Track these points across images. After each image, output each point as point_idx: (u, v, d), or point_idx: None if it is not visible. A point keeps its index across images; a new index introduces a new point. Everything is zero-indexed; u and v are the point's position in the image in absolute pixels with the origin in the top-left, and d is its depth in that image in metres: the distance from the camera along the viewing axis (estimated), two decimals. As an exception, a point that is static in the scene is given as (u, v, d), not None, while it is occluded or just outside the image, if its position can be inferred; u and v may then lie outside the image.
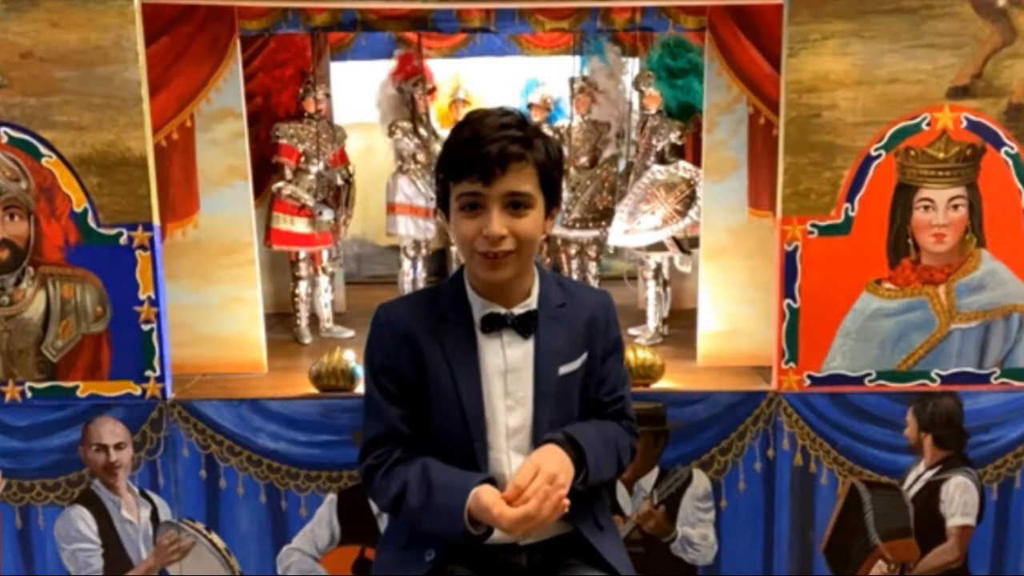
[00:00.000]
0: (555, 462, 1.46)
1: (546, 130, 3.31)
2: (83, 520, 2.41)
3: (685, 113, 3.15)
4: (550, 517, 1.41)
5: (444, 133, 3.26)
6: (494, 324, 1.52)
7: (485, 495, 1.42)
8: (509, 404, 1.54)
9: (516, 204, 1.44)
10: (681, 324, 3.07)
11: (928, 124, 2.27)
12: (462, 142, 1.45)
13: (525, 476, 1.42)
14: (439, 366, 1.52)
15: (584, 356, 1.58)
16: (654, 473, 2.41)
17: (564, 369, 1.55)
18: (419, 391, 1.54)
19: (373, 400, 1.57)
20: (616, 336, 1.65)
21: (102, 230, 2.28)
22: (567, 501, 1.42)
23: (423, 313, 1.56)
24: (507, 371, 1.53)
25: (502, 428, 1.54)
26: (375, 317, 1.58)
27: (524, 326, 1.53)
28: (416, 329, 1.54)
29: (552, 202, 1.51)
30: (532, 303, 1.55)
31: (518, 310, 1.53)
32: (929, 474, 2.42)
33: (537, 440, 1.53)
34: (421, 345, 1.53)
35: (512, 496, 1.41)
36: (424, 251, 3.44)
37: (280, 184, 3.13)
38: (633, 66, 3.28)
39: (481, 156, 1.41)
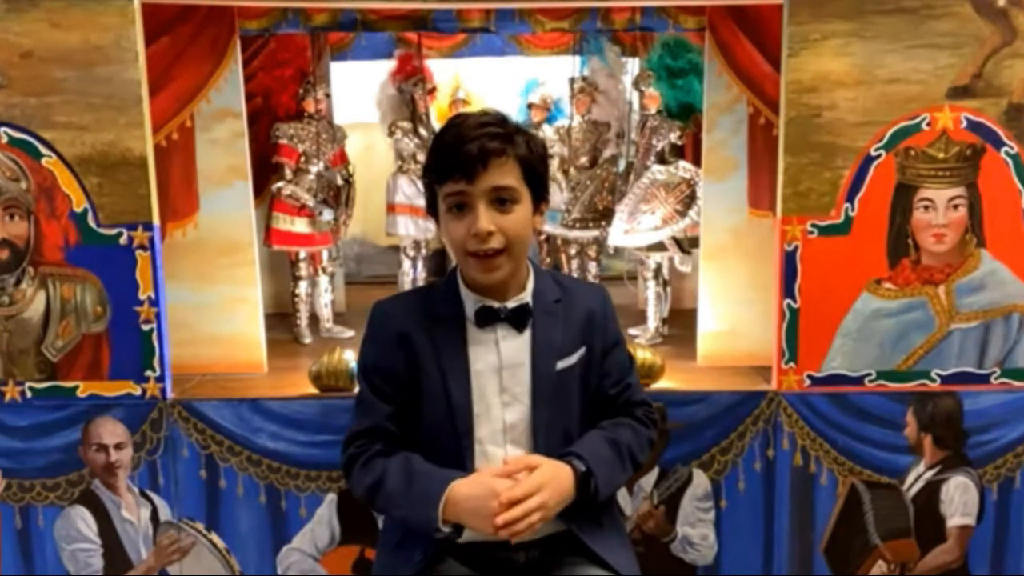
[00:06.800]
0: (556, 490, 1.44)
1: (546, 130, 3.35)
2: (83, 520, 2.41)
3: (685, 113, 3.15)
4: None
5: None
6: (488, 318, 1.53)
7: (461, 487, 1.43)
8: (506, 400, 1.53)
9: (502, 200, 1.46)
10: (681, 324, 3.07)
11: (928, 124, 2.27)
12: (444, 145, 1.47)
13: (527, 489, 1.42)
14: (430, 364, 1.53)
15: (582, 351, 1.57)
16: (654, 473, 2.41)
17: (562, 364, 1.55)
18: (411, 389, 1.55)
19: (363, 395, 1.59)
20: (616, 331, 1.65)
21: (102, 230, 2.28)
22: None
23: (418, 311, 1.57)
24: (502, 367, 1.53)
25: (498, 424, 1.53)
26: (371, 314, 1.60)
27: (518, 320, 1.53)
28: (410, 328, 1.54)
29: (539, 197, 1.53)
30: (526, 297, 1.55)
31: (511, 304, 1.53)
32: (929, 474, 2.42)
33: (537, 437, 1.52)
34: (414, 344, 1.54)
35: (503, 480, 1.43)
36: (424, 251, 3.45)
37: (280, 184, 3.13)
38: (633, 66, 3.28)
39: (463, 155, 1.43)
